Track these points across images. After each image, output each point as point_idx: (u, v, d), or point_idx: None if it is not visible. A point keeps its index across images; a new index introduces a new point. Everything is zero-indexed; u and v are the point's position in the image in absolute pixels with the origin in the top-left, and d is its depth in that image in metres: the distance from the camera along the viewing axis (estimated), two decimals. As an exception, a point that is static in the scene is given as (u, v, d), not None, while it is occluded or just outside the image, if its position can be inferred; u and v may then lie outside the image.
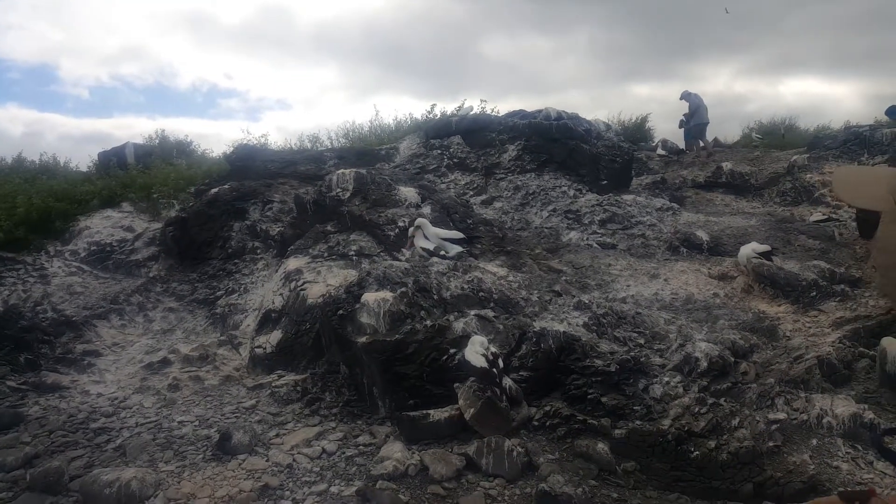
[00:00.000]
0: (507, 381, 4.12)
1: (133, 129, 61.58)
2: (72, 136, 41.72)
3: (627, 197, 9.91)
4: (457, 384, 4.05)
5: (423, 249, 5.94)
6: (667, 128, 16.84)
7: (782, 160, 12.61)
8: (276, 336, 5.60)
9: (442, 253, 5.92)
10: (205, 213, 8.20)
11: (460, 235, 6.19)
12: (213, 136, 54.20)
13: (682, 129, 15.35)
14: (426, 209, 7.38)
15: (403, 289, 4.84)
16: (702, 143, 15.20)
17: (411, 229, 6.14)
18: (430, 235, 6.01)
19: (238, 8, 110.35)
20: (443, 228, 6.35)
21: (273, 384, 4.92)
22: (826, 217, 9.64)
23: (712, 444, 3.64)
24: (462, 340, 4.29)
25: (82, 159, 17.10)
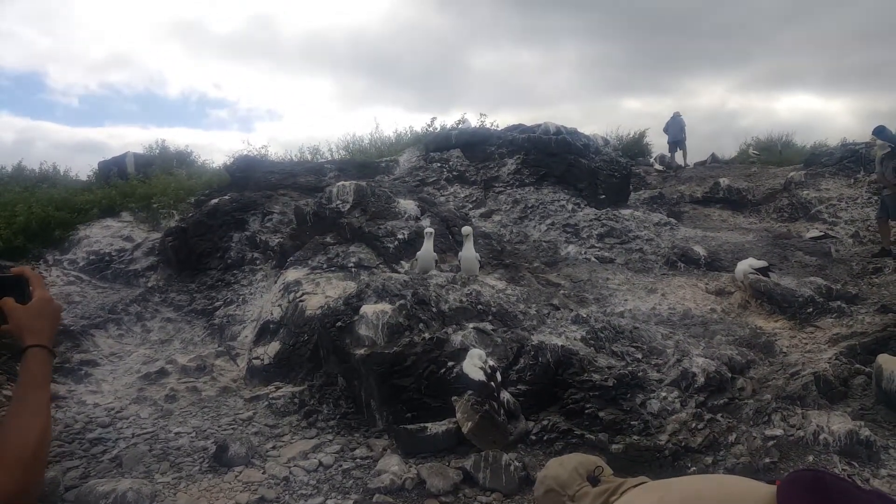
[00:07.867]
0: (505, 395, 4.13)
1: (126, 138, 61.70)
2: (65, 145, 41.71)
3: (625, 211, 9.95)
4: (454, 397, 4.05)
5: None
6: (664, 143, 17.01)
7: (779, 176, 12.69)
8: (273, 347, 5.59)
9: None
10: (204, 224, 8.22)
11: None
12: (206, 147, 53.77)
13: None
14: (425, 222, 7.41)
15: (402, 301, 4.85)
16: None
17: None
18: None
19: (227, 17, 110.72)
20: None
21: (270, 396, 4.91)
22: (823, 234, 9.71)
23: (709, 459, 3.65)
24: (460, 353, 4.30)
25: (77, 168, 17.13)
